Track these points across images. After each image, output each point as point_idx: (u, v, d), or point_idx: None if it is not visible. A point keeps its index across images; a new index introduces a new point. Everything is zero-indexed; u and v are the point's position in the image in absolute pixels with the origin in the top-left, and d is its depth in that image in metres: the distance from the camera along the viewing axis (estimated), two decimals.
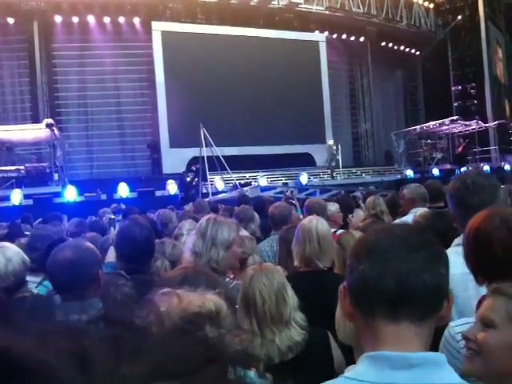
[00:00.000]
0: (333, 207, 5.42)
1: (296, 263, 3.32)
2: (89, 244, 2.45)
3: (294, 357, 2.16)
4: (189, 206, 7.61)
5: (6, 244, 2.99)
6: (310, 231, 3.24)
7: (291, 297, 2.25)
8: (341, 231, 4.61)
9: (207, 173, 13.86)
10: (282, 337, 2.15)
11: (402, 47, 24.53)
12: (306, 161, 19.49)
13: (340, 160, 18.81)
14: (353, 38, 22.77)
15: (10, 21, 17.45)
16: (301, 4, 20.71)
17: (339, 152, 18.71)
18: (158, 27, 18.60)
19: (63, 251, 2.22)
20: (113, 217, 6.89)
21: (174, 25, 18.84)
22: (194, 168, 13.62)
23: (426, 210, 4.38)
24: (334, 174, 18.36)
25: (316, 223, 3.34)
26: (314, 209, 5.28)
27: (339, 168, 18.81)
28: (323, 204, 5.47)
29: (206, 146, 13.54)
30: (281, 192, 12.17)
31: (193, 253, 2.71)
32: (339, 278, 2.45)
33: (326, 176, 18.59)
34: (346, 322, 2.01)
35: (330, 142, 19.34)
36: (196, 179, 13.56)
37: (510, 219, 1.68)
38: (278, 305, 2.19)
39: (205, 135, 13.31)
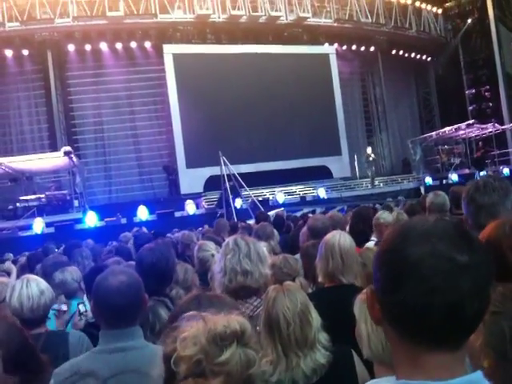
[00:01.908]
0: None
1: (320, 279, 3.29)
2: (130, 271, 2.43)
3: (318, 379, 2.12)
4: (206, 227, 7.62)
5: (38, 277, 3.03)
6: (333, 246, 3.22)
7: (315, 318, 2.22)
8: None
9: (238, 190, 13.73)
10: (307, 360, 2.11)
11: (412, 54, 24.48)
12: (322, 174, 19.47)
13: (382, 167, 18.72)
14: (363, 49, 22.79)
15: (25, 52, 17.90)
16: (309, 18, 20.83)
17: (381, 160, 18.63)
18: (169, 50, 18.85)
19: (114, 277, 2.14)
20: None
21: (185, 46, 19.09)
22: (226, 185, 13.48)
23: None
24: (376, 182, 18.43)
25: (339, 238, 3.31)
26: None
27: (378, 176, 18.78)
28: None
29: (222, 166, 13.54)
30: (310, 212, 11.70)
31: (241, 272, 2.66)
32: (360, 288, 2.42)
33: (344, 188, 18.59)
34: (370, 338, 1.97)
35: (368, 150, 19.33)
36: (230, 196, 13.41)
37: None
38: (303, 327, 2.15)
39: (224, 162, 13.29)
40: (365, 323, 2.01)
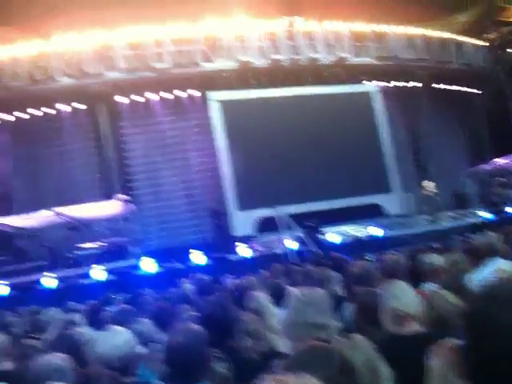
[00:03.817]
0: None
1: (386, 326, 3.34)
2: (195, 326, 2.58)
3: None
4: (263, 272, 7.71)
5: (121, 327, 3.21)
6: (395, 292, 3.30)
7: (385, 370, 2.23)
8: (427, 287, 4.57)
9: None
10: None
11: (457, 87, 24.30)
12: (374, 212, 19.32)
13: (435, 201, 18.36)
14: (405, 84, 22.82)
15: (78, 106, 18.91)
16: (349, 58, 21.10)
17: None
18: (214, 96, 19.51)
19: (176, 334, 2.29)
20: None
21: (229, 92, 19.69)
22: (308, 225, 13.45)
23: (501, 261, 4.29)
24: (438, 217, 18.01)
25: (399, 283, 3.39)
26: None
27: (439, 211, 18.41)
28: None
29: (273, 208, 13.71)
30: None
31: (313, 326, 2.67)
32: (429, 337, 2.45)
33: (400, 226, 18.19)
34: None
35: (426, 184, 19.03)
36: (312, 236, 13.38)
37: None
38: (373, 382, 2.14)
39: (280, 215, 13.36)
40: (439, 377, 2.05)
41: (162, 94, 19.38)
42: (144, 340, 4.08)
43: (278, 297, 4.86)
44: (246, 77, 20.47)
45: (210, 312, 3.17)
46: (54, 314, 6.32)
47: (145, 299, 6.44)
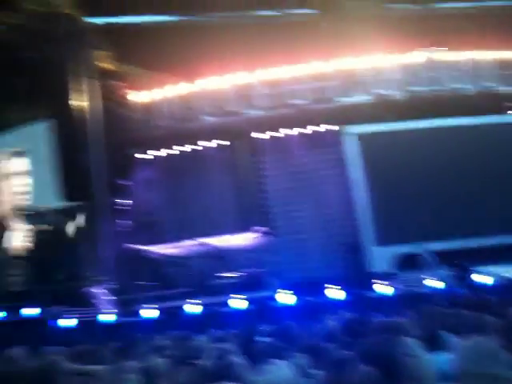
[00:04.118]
0: None
1: None
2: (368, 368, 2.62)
3: None
4: (409, 313, 7.41)
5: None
6: None
7: None
8: None
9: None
10: None
11: None
12: None
13: None
14: None
15: (221, 142, 20.16)
16: (494, 87, 20.06)
17: None
18: (351, 130, 19.55)
19: (354, 376, 2.34)
20: None
21: (366, 126, 19.61)
22: (455, 263, 13.00)
23: None
24: None
25: None
26: None
27: None
28: None
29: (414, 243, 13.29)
30: None
31: None
32: None
33: None
34: None
35: None
36: (461, 276, 12.92)
37: None
38: None
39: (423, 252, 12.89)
40: None
41: (299, 129, 19.90)
42: (301, 375, 4.19)
43: (431, 342, 4.69)
44: (383, 110, 20.28)
45: (372, 354, 3.17)
46: (205, 340, 6.60)
47: (292, 332, 6.52)
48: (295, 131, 19.98)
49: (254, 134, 19.97)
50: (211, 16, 24.74)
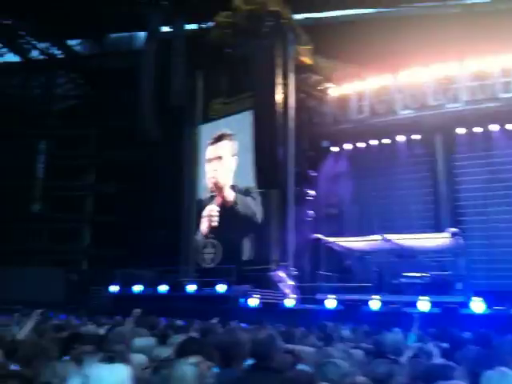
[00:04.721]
0: None
1: None
2: None
3: None
4: None
5: None
6: None
7: None
8: None
9: None
10: None
11: None
12: None
13: None
14: None
15: (415, 137, 19.41)
16: None
17: None
18: None
19: None
20: None
21: None
22: None
23: None
24: None
25: None
26: None
27: None
28: None
29: None
30: None
31: None
32: None
33: None
34: None
35: None
36: None
37: None
38: None
39: None
40: None
41: (506, 125, 18.18)
42: None
43: None
44: None
45: None
46: (399, 338, 6.41)
47: (492, 342, 6.03)
48: (499, 127, 18.30)
49: (452, 129, 18.81)
50: (409, 7, 23.91)
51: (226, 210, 20.89)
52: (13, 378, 3.23)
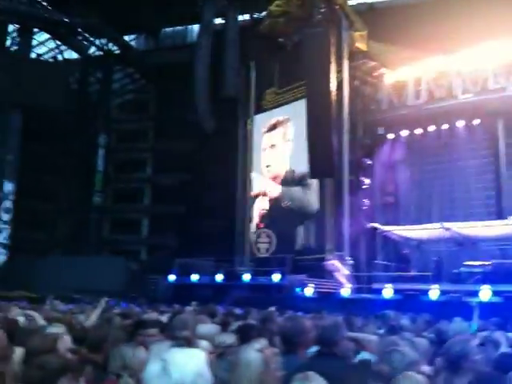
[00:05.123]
0: None
1: None
2: None
3: None
4: None
5: None
6: None
7: None
8: None
9: None
10: None
11: None
12: None
13: None
14: None
15: (475, 122, 18.73)
16: None
17: None
18: None
19: None
20: None
21: None
22: None
23: None
24: None
25: None
26: None
27: None
28: None
29: None
30: None
31: None
32: None
33: None
34: None
35: None
36: None
37: None
38: None
39: None
40: None
41: None
42: None
43: None
44: None
45: None
46: (463, 327, 6.24)
47: None
48: None
49: None
50: None
51: (278, 201, 21.01)
52: (87, 364, 3.40)
